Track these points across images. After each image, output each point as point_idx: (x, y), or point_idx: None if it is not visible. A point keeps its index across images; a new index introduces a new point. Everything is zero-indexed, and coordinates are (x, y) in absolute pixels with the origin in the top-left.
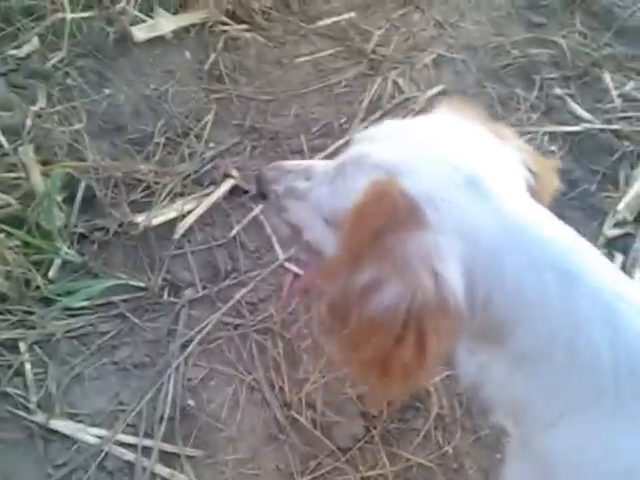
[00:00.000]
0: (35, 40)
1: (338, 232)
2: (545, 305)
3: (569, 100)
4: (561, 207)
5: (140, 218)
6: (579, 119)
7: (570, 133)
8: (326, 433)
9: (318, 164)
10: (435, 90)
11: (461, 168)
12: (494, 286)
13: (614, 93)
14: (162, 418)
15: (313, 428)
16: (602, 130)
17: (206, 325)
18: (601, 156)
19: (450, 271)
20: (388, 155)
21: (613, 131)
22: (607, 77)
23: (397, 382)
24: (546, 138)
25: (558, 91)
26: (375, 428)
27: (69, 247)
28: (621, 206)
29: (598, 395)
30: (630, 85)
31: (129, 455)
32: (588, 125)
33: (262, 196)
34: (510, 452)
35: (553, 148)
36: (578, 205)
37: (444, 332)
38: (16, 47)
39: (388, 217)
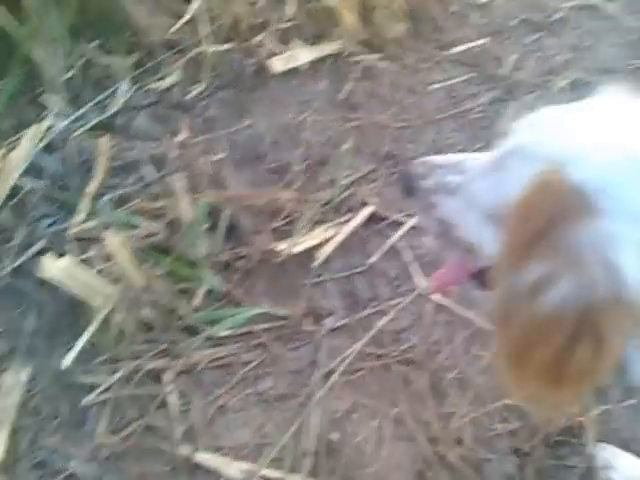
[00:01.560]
0: (177, 73)
1: (500, 228)
2: None
3: None
4: None
5: (282, 246)
6: None
7: None
8: (476, 470)
9: (470, 158)
10: None
11: (631, 150)
12: None
13: None
14: (307, 452)
15: (463, 465)
16: None
17: (348, 355)
18: None
19: (628, 261)
20: (551, 144)
21: None
22: None
23: (569, 389)
24: None
25: None
26: (528, 466)
27: (214, 275)
28: None
29: None
30: None
31: None
32: None
33: (408, 192)
34: None
35: None
36: None
37: (623, 330)
38: (158, 80)
39: (555, 209)
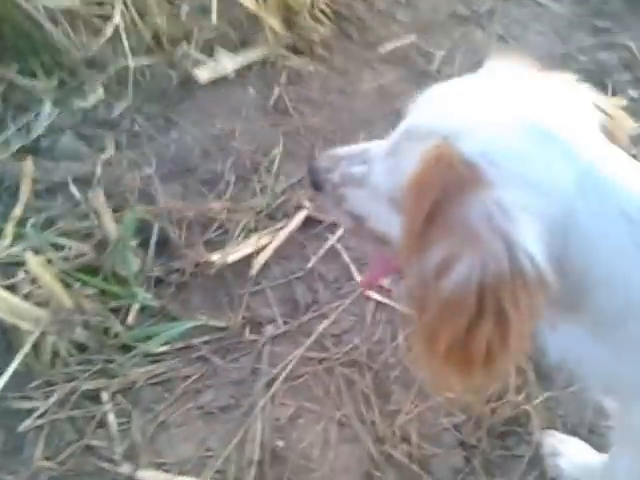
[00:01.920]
0: (100, 90)
1: (401, 212)
2: (623, 259)
3: None
4: None
5: (215, 256)
6: None
7: None
8: (424, 467)
9: (373, 145)
10: None
11: (520, 116)
12: (570, 241)
13: None
14: (251, 462)
15: (410, 462)
16: None
17: (290, 361)
18: None
19: (522, 231)
20: (439, 119)
21: None
22: None
23: (481, 369)
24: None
25: (632, 93)
26: (475, 458)
27: (146, 291)
28: None
29: None
30: None
31: None
32: None
33: (317, 188)
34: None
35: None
36: None
37: (526, 304)
38: (82, 99)
39: (445, 184)
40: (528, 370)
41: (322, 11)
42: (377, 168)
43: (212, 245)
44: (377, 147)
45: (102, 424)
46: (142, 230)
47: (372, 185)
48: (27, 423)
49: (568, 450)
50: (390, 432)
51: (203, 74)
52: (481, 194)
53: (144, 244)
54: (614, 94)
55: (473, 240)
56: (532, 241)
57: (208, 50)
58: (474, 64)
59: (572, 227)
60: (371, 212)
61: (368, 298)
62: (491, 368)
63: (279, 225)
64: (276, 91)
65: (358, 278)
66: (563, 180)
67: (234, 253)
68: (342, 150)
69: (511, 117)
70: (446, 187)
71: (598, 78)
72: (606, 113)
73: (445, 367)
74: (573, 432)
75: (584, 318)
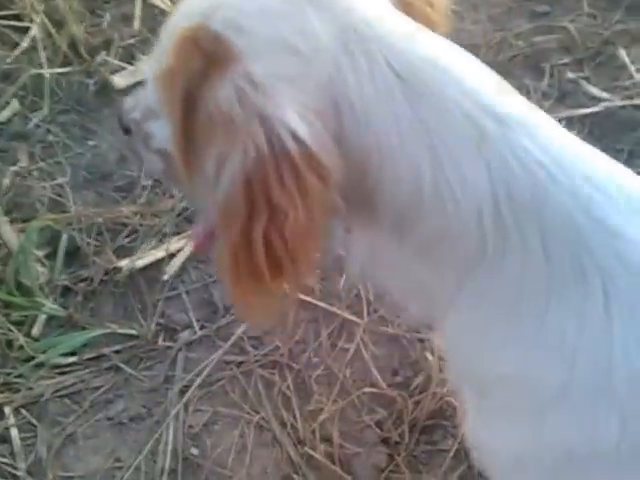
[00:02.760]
0: (15, 102)
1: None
2: (399, 126)
3: (583, 82)
4: None
5: (124, 262)
6: (597, 99)
7: (588, 115)
8: (346, 467)
9: None
10: None
11: None
12: (342, 110)
13: (632, 68)
14: (162, 471)
15: (331, 463)
16: (622, 107)
17: (205, 367)
18: (624, 133)
19: (279, 104)
20: (193, 3)
21: (635, 106)
22: (623, 53)
23: (272, 279)
24: (563, 124)
25: (571, 75)
26: (399, 455)
27: (53, 302)
28: None
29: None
30: None
31: None
32: (607, 104)
33: (126, 132)
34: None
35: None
36: None
37: (297, 188)
38: None
39: (189, 69)
40: None
41: None
42: (148, 84)
43: (124, 251)
44: None
45: (4, 440)
46: (51, 240)
47: (149, 109)
48: None
49: None
50: (310, 433)
51: (121, 80)
52: (229, 71)
53: (53, 254)
54: (552, 77)
55: (229, 128)
56: (293, 115)
57: (129, 58)
58: None
59: (341, 92)
60: (162, 141)
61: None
62: (283, 277)
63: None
64: None
65: None
66: (324, 39)
67: (143, 258)
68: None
69: None
70: (191, 72)
71: (535, 62)
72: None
73: (239, 286)
74: None
75: (380, 217)
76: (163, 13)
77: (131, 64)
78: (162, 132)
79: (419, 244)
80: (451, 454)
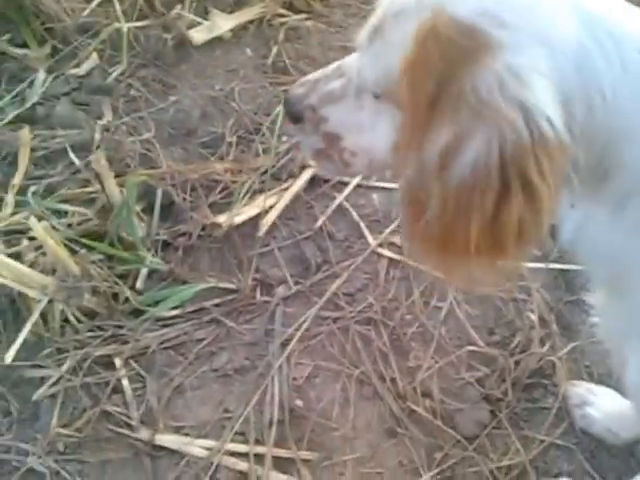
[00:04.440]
0: (94, 56)
1: (394, 106)
2: None
3: None
4: None
5: (222, 218)
6: None
7: None
8: (448, 422)
9: (347, 58)
10: None
11: None
12: (591, 100)
13: None
14: (271, 422)
15: (433, 418)
16: None
17: (304, 321)
18: None
19: (538, 94)
20: None
21: None
22: None
23: (514, 249)
24: None
25: None
26: (501, 412)
27: (154, 256)
28: None
29: None
30: None
31: (241, 465)
32: None
33: (296, 119)
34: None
35: None
36: None
37: (551, 172)
38: (76, 66)
39: (446, 58)
40: (551, 322)
41: None
42: (359, 64)
43: (217, 207)
44: (351, 57)
45: (117, 390)
46: (146, 195)
47: (355, 89)
48: (41, 391)
49: (597, 399)
50: (411, 388)
51: (198, 36)
52: (489, 61)
53: (149, 209)
54: None
55: (485, 113)
56: (550, 105)
57: (202, 12)
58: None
59: (593, 79)
60: (352, 125)
61: (381, 257)
62: (524, 246)
63: (285, 185)
64: (274, 50)
65: (369, 237)
66: (573, 32)
67: (240, 215)
68: (316, 74)
69: None
70: (448, 62)
71: None
72: None
73: (474, 259)
74: (600, 382)
75: (606, 195)
76: None
77: (205, 18)
78: (340, 115)
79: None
80: (553, 411)
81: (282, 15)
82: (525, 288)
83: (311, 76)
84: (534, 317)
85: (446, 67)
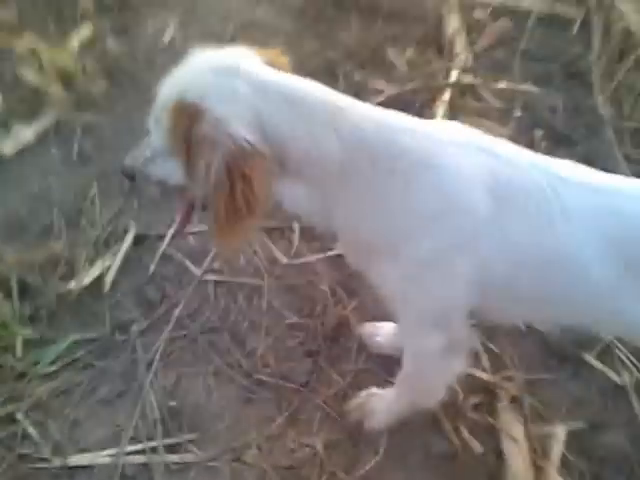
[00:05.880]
0: None
1: (173, 156)
2: (300, 125)
3: (368, 80)
4: None
5: (72, 285)
6: (380, 91)
7: (378, 104)
8: (286, 379)
9: (148, 137)
10: None
11: (212, 68)
12: (265, 123)
13: (398, 63)
14: (155, 422)
15: (275, 380)
16: (399, 94)
17: (160, 345)
18: (405, 112)
19: (235, 127)
20: (171, 88)
21: (409, 91)
22: (390, 53)
23: (248, 219)
24: None
25: (357, 77)
26: (320, 359)
27: (24, 328)
28: None
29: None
30: None
31: (142, 458)
32: (388, 93)
33: (131, 179)
34: None
35: None
36: None
37: (255, 166)
38: None
39: (186, 122)
40: (339, 290)
41: (95, 70)
42: (152, 139)
43: (66, 278)
44: (151, 135)
45: (25, 437)
46: (2, 283)
47: (156, 152)
48: None
49: (381, 331)
50: (253, 365)
51: (7, 147)
52: (206, 118)
53: (8, 294)
54: (345, 79)
55: (214, 144)
56: (244, 131)
57: (5, 127)
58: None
59: (264, 113)
60: (164, 172)
61: (207, 282)
62: (254, 216)
63: (116, 248)
64: (75, 145)
65: (193, 269)
66: (246, 91)
67: (86, 278)
68: (133, 151)
69: (208, 69)
70: (186, 126)
71: (330, 71)
72: (267, 57)
73: (230, 231)
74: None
75: (298, 177)
76: (23, 82)
77: (9, 132)
78: (156, 170)
79: (315, 181)
80: (355, 347)
81: (75, 115)
82: (316, 270)
83: (133, 151)
84: (326, 288)
85: (187, 128)
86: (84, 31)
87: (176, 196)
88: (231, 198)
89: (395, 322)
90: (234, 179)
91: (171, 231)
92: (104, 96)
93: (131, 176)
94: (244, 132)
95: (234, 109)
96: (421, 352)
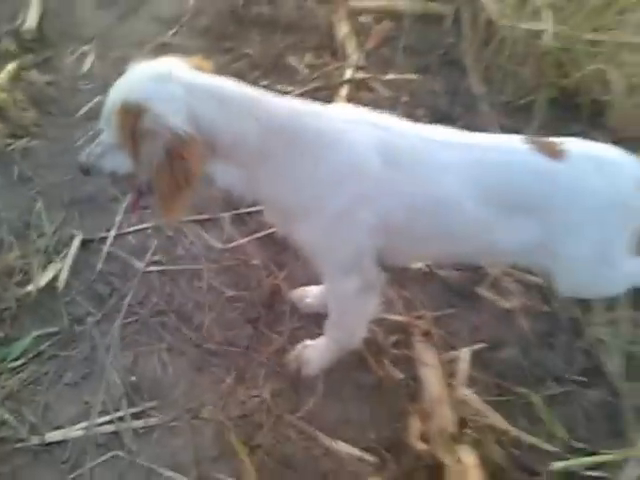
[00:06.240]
0: None
1: (121, 148)
2: (221, 118)
3: (272, 85)
4: None
5: (30, 287)
6: (286, 93)
7: None
8: (232, 344)
9: (101, 136)
10: None
11: (150, 75)
12: (197, 115)
13: (301, 67)
14: (120, 396)
15: (223, 347)
16: (302, 93)
17: (113, 331)
18: None
19: (172, 121)
20: (117, 93)
21: (313, 89)
22: (291, 59)
23: (186, 190)
24: None
25: (263, 83)
26: (260, 324)
27: None
28: None
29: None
30: None
31: (111, 427)
32: (293, 94)
33: (87, 173)
34: None
35: None
36: None
37: (188, 149)
38: None
39: (131, 120)
40: (270, 263)
41: (24, 101)
42: (104, 137)
43: (23, 283)
44: (102, 134)
45: (3, 423)
46: None
47: (108, 147)
48: None
49: (309, 293)
50: (202, 337)
51: None
52: (148, 115)
53: None
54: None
55: (155, 136)
56: (179, 123)
57: None
58: None
59: (195, 109)
60: (114, 164)
61: (150, 273)
62: (191, 188)
63: (65, 253)
64: (16, 169)
65: (137, 265)
66: (179, 92)
67: (42, 280)
68: (88, 147)
69: (147, 77)
70: (131, 120)
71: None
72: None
73: (172, 203)
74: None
75: (228, 159)
76: None
77: None
78: (108, 162)
79: (241, 162)
80: (288, 310)
81: (10, 143)
82: (247, 251)
83: (85, 149)
84: (258, 264)
85: (132, 125)
86: (10, 67)
87: (126, 183)
88: (171, 176)
89: (320, 281)
90: (173, 161)
91: (112, 233)
92: (35, 123)
93: (86, 170)
94: (180, 124)
95: (170, 106)
96: (342, 294)
